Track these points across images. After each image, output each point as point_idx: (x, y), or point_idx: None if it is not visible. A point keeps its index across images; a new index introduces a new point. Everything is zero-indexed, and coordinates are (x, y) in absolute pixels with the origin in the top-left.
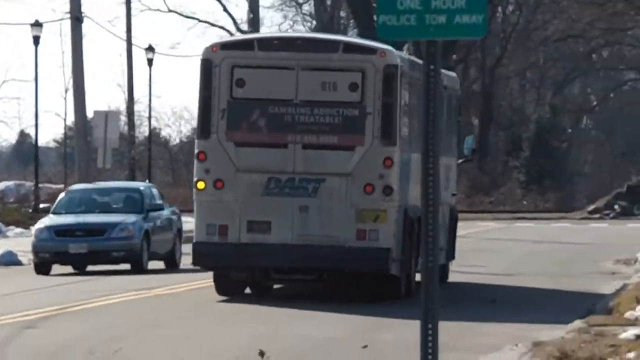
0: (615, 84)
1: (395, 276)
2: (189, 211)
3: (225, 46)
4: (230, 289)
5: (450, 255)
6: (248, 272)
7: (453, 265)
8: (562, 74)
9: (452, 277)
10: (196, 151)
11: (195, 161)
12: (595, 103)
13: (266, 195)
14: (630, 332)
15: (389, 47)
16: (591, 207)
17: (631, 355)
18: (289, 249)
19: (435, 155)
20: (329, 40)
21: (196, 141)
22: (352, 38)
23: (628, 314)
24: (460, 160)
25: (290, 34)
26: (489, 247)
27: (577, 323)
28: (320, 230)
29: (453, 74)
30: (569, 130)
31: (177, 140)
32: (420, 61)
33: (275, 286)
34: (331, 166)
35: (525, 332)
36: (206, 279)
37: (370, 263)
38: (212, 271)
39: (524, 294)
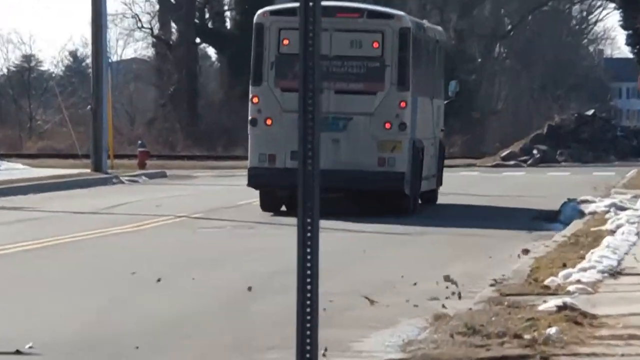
0: (534, 4)
1: (407, 195)
2: (17, 156)
3: (273, 12)
4: (272, 206)
5: (439, 181)
6: (290, 191)
7: None
8: None
9: None
10: (250, 95)
11: (250, 103)
12: (509, 27)
13: None
14: (551, 303)
15: (403, 13)
16: (505, 153)
17: (552, 330)
18: (324, 173)
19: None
20: (356, 8)
21: (250, 87)
22: (374, 6)
23: (548, 281)
24: (446, 101)
25: (326, 2)
26: None
27: (487, 291)
28: (348, 158)
29: (440, 28)
30: (479, 60)
31: (4, 70)
32: (422, 22)
33: None
34: (357, 107)
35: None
36: None
37: (389, 184)
38: (260, 190)
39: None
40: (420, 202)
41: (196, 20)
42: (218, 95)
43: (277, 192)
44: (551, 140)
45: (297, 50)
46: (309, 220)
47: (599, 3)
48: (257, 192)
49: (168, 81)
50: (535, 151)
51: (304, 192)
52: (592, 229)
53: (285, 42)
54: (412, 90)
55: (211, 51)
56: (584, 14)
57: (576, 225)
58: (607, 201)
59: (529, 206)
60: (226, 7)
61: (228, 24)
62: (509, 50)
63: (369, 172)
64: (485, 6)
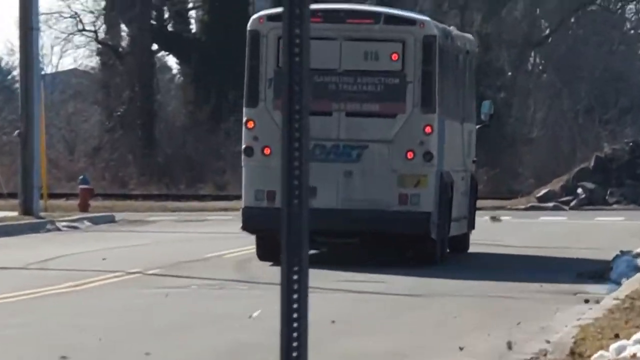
0: (577, 3)
1: (434, 239)
2: None
3: (271, 17)
4: (271, 253)
5: (471, 224)
6: None
7: None
8: None
9: None
10: (244, 119)
11: (244, 128)
12: (547, 32)
13: (312, 161)
14: None
15: (427, 18)
16: (542, 192)
17: None
18: (334, 213)
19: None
20: (370, 11)
21: (244, 109)
22: (392, 10)
23: (597, 356)
24: (478, 126)
25: (334, 5)
26: None
27: None
28: (363, 194)
29: (470, 36)
30: (509, 74)
31: None
32: (450, 28)
33: (311, 252)
34: (374, 133)
35: None
36: None
37: (412, 226)
38: (257, 235)
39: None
40: (448, 249)
41: (153, 22)
42: (180, 118)
43: (277, 236)
44: (600, 176)
45: None
46: (295, 277)
47: None
48: (230, 243)
49: (117, 99)
50: (579, 190)
51: (288, 242)
52: None
53: None
54: (439, 112)
55: (172, 61)
56: None
57: (631, 285)
58: None
59: (572, 260)
60: (190, 5)
61: (193, 27)
62: (546, 62)
63: (389, 212)
64: (516, 5)
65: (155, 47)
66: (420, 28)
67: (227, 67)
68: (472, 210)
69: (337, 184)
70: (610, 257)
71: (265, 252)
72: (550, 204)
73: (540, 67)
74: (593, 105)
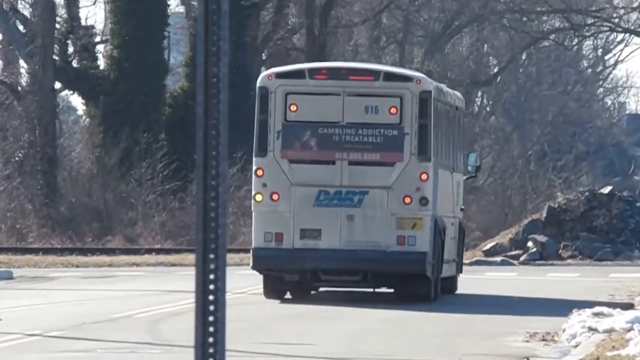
0: (529, 38)
1: (429, 278)
2: None
3: (279, 75)
4: (277, 292)
5: (459, 267)
6: (300, 274)
7: None
8: (441, 20)
9: None
10: (254, 167)
11: (254, 176)
12: (496, 70)
13: (317, 206)
14: None
15: (423, 75)
16: (489, 245)
17: None
18: (338, 253)
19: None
20: (370, 69)
21: (254, 159)
22: (391, 67)
23: None
24: (465, 177)
25: (338, 64)
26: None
27: None
28: (364, 236)
29: (459, 94)
30: None
31: None
32: (441, 85)
33: (313, 292)
34: (374, 180)
35: None
36: None
37: (409, 265)
38: (266, 274)
39: None
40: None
41: (55, 57)
42: (86, 164)
43: (284, 276)
44: (553, 228)
45: (307, 117)
46: (210, 340)
47: (619, 37)
48: (140, 301)
49: (15, 143)
50: (530, 243)
51: (201, 303)
52: (609, 353)
53: (293, 108)
54: (434, 162)
55: (77, 101)
56: (599, 52)
57: (586, 348)
58: (630, 314)
59: (520, 322)
60: (98, 39)
61: (101, 63)
62: (494, 103)
63: (388, 252)
64: (462, 40)
65: (58, 85)
66: (416, 84)
67: (138, 108)
68: (460, 254)
69: (340, 227)
70: (563, 318)
71: (272, 290)
72: (498, 259)
73: (488, 109)
74: (546, 150)
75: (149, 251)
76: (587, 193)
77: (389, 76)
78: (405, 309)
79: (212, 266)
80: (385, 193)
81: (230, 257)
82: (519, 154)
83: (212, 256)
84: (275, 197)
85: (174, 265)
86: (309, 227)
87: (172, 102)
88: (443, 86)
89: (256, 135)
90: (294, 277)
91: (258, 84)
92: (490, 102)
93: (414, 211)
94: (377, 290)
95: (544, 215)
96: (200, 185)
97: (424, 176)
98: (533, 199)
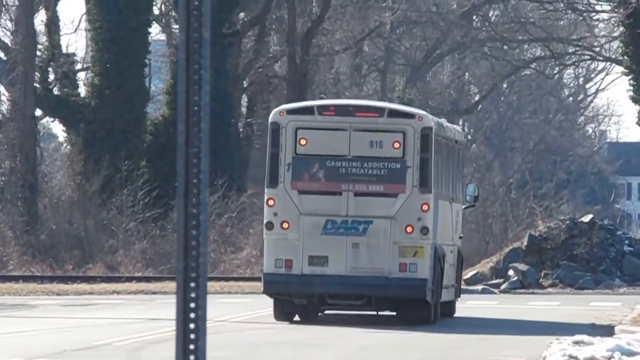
0: (510, 67)
1: (429, 302)
2: None
3: (290, 111)
4: (286, 315)
5: (457, 292)
6: (308, 298)
7: None
8: (423, 48)
9: None
10: (266, 197)
11: (265, 206)
12: (477, 98)
13: (324, 234)
14: None
15: (425, 112)
16: (469, 274)
17: None
18: (343, 279)
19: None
20: (375, 107)
21: (266, 189)
22: (395, 105)
23: None
24: (464, 207)
25: (345, 101)
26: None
27: None
28: (369, 263)
29: (459, 128)
30: None
31: None
32: (442, 121)
33: (320, 314)
34: (378, 210)
35: None
36: None
37: (410, 291)
38: (276, 298)
39: None
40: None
41: (36, 84)
42: (67, 191)
43: (293, 300)
44: (534, 256)
45: (315, 151)
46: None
47: (600, 65)
48: (121, 329)
49: None
50: (511, 272)
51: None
52: None
53: (303, 142)
54: (435, 193)
55: (58, 128)
56: (581, 81)
57: None
58: (610, 343)
59: (501, 350)
60: (79, 66)
61: (82, 90)
62: (475, 131)
63: (390, 279)
64: (444, 68)
65: (39, 112)
66: (418, 121)
67: (119, 135)
68: (459, 280)
69: (345, 254)
70: (543, 347)
71: (281, 313)
72: (479, 287)
73: (469, 137)
74: (527, 179)
75: (130, 279)
76: (568, 221)
77: (393, 113)
78: (403, 330)
79: (192, 294)
80: (388, 222)
81: (211, 285)
82: (500, 182)
83: (192, 284)
84: (285, 225)
85: (155, 293)
86: (316, 254)
87: (153, 129)
88: (443, 121)
89: (268, 167)
90: (302, 301)
91: (270, 119)
92: (472, 130)
93: (416, 240)
94: (380, 313)
95: (525, 243)
96: (182, 213)
97: (425, 207)
98: (514, 227)
